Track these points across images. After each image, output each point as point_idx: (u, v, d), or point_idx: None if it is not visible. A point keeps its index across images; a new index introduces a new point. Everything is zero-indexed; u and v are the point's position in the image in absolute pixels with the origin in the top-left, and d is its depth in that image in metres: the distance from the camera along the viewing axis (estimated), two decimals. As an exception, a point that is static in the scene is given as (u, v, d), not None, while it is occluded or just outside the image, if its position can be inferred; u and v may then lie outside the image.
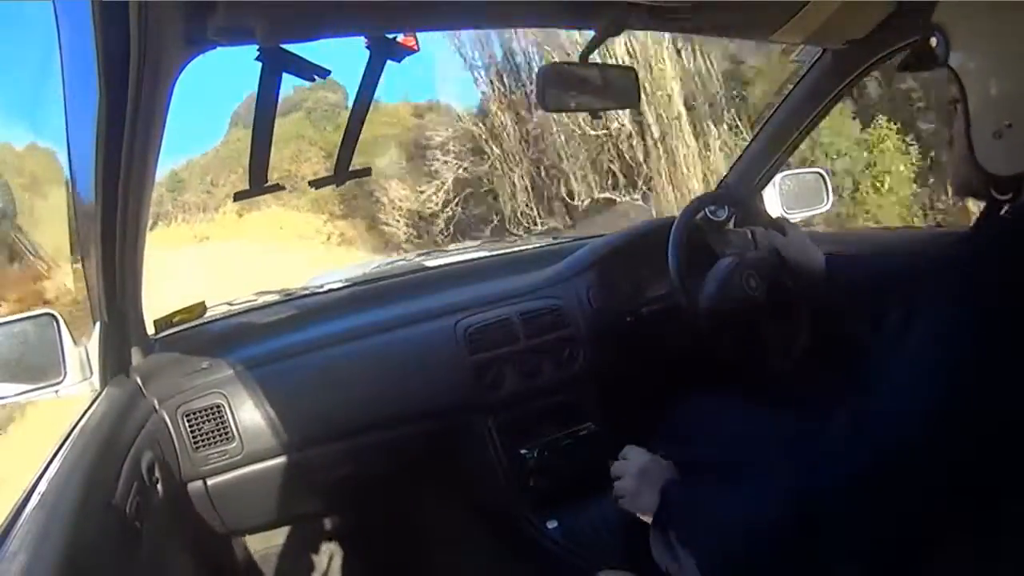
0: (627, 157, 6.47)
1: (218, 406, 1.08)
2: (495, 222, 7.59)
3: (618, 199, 6.57)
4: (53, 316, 0.95)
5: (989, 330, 0.51)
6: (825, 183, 1.47)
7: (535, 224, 7.24)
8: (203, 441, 1.07)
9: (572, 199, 7.01)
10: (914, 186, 4.90)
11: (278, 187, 0.91)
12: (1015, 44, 0.56)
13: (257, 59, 0.70)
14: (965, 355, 0.51)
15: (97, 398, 0.96)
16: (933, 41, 0.60)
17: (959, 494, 0.52)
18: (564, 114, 5.81)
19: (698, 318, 1.12)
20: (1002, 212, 0.60)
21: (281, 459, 1.13)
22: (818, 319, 1.14)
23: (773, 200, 1.41)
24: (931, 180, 4.84)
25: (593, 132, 6.51)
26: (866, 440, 0.54)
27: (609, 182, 6.72)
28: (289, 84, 0.72)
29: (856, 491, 0.54)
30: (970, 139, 0.59)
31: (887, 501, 0.53)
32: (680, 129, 5.99)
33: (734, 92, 6.03)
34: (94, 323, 0.99)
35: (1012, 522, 0.53)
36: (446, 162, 8.00)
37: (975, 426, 0.51)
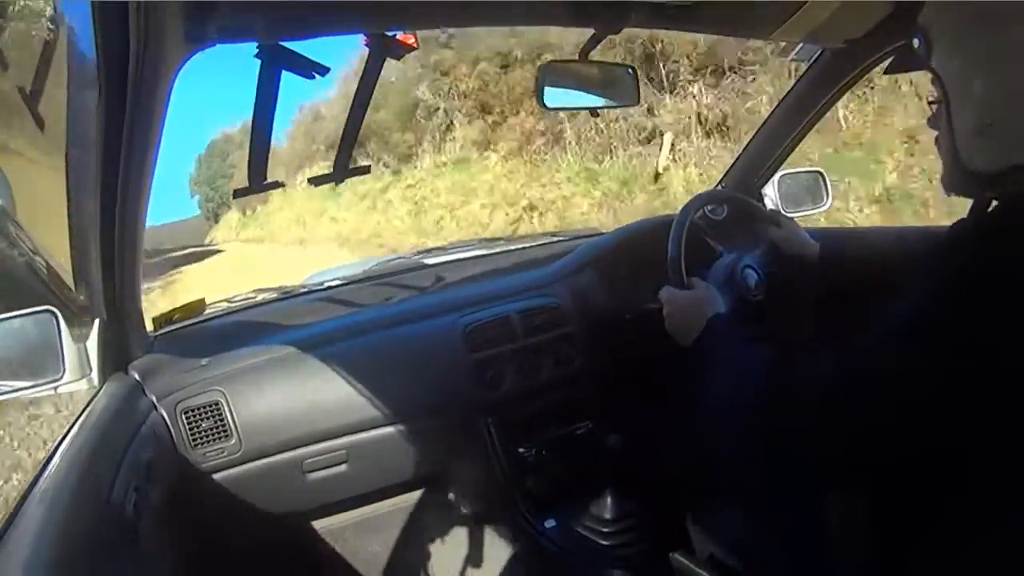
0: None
1: (216, 403, 1.08)
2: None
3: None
4: (52, 313, 0.95)
5: (970, 310, 0.55)
6: (824, 182, 1.47)
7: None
8: (202, 438, 1.07)
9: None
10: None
11: (278, 184, 0.91)
12: (992, 45, 0.57)
13: (256, 56, 0.70)
14: (941, 329, 0.56)
15: (96, 395, 0.96)
16: (915, 43, 0.62)
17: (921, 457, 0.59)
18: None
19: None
20: (990, 206, 0.62)
21: (279, 456, 1.13)
22: (818, 320, 1.14)
23: (772, 199, 1.42)
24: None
25: None
26: (840, 366, 0.63)
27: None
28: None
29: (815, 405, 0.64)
30: (954, 138, 0.60)
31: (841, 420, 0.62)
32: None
33: None
34: (93, 321, 0.99)
35: (985, 518, 0.56)
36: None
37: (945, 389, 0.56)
